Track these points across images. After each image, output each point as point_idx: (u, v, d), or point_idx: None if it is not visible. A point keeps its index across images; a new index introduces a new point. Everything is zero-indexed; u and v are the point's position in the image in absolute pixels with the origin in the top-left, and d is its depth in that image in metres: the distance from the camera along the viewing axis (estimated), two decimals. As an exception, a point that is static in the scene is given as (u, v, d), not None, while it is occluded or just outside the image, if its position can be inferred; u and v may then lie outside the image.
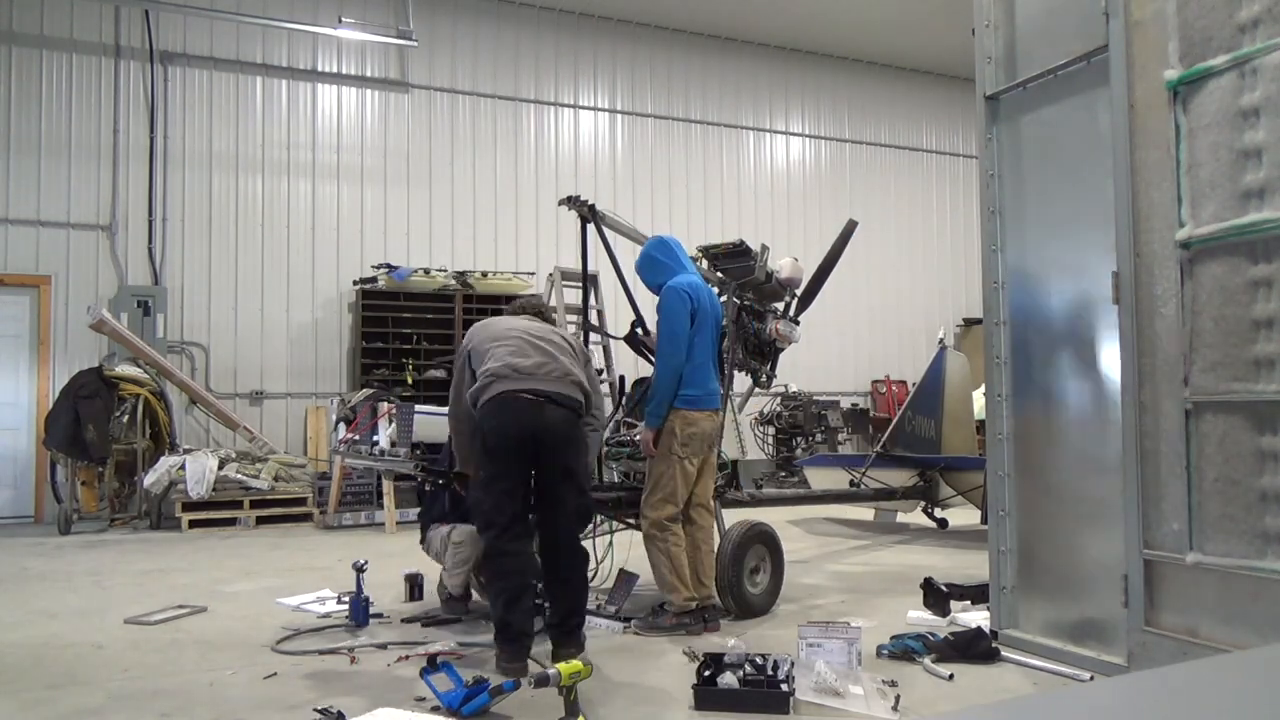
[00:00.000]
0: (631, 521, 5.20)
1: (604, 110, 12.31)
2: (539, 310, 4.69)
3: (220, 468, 8.71)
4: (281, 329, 10.51)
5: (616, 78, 12.36)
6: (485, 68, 11.64)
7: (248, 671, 4.02)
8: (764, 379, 6.46)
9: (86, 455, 8.58)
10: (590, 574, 4.76)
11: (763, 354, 6.39)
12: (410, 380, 9.94)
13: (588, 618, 4.45)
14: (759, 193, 13.16)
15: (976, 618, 4.53)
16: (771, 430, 11.78)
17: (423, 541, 5.18)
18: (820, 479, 8.66)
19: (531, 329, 4.35)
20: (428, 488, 5.10)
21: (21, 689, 3.82)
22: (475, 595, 5.05)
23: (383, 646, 4.35)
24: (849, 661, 3.75)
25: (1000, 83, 4.40)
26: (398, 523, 8.57)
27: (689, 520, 4.81)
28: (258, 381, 10.36)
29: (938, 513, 8.17)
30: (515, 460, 4.06)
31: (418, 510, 8.95)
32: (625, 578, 5.08)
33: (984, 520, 6.35)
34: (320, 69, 10.91)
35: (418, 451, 5.14)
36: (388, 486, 8.62)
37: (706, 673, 3.59)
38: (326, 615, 4.99)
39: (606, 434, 5.34)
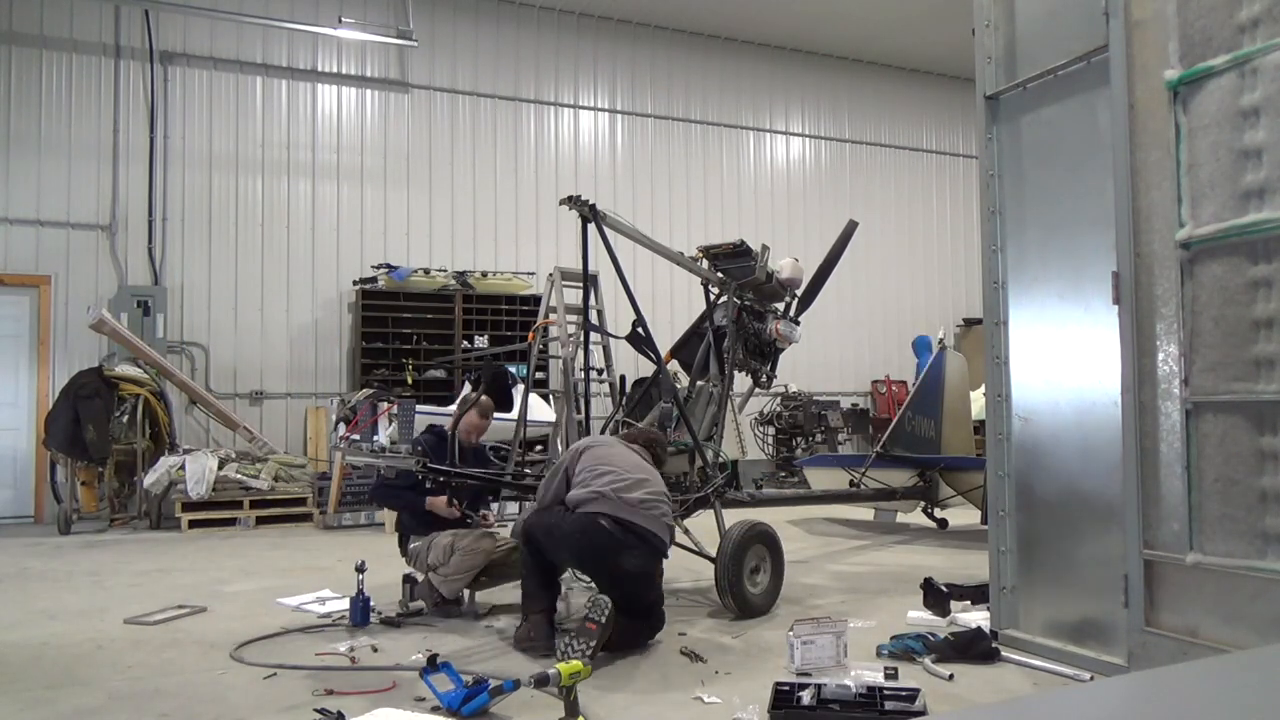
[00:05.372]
0: None
1: (604, 110, 12.31)
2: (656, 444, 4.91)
3: (220, 468, 8.70)
4: (281, 329, 10.51)
5: (616, 78, 12.36)
6: (485, 68, 11.63)
7: (247, 672, 4.02)
8: (764, 379, 6.47)
9: (86, 455, 8.58)
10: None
11: (763, 354, 6.39)
12: (410, 380, 9.93)
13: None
14: (759, 193, 13.16)
15: (976, 618, 4.53)
16: (771, 430, 11.79)
17: (405, 552, 5.15)
18: (820, 479, 8.65)
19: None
20: (428, 484, 5.01)
21: (21, 689, 3.82)
22: (465, 599, 5.06)
23: (375, 650, 4.33)
24: (836, 654, 3.83)
25: (1000, 83, 4.40)
26: (398, 523, 8.56)
27: None
28: (258, 381, 10.35)
29: (938, 513, 8.17)
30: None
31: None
32: None
33: (984, 520, 6.35)
34: (320, 69, 10.90)
35: (419, 449, 5.12)
36: (388, 486, 8.60)
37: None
38: (326, 615, 4.99)
39: (609, 431, 5.32)
